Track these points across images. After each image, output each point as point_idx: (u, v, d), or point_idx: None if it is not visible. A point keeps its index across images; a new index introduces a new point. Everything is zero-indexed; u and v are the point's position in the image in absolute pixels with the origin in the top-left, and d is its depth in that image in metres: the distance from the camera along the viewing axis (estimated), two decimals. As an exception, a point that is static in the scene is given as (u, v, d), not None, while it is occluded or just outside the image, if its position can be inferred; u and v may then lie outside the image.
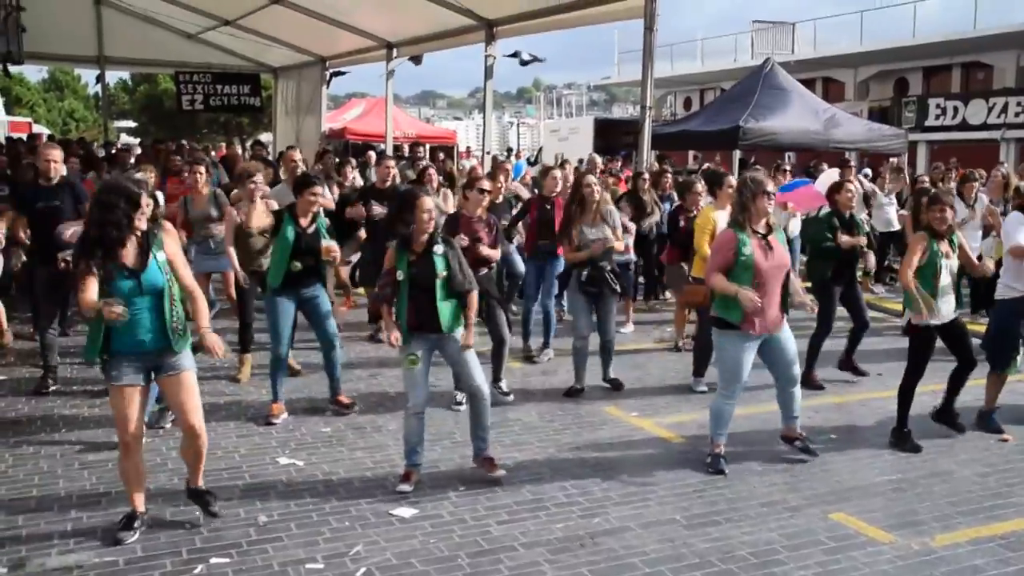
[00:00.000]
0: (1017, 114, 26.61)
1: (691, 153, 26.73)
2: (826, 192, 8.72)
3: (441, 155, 19.92)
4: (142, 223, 4.71)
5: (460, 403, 7.18)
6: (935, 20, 37.01)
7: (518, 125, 69.80)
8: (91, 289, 4.57)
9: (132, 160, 14.31)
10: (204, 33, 20.68)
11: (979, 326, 9.53)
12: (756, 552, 4.86)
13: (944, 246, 6.52)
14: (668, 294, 11.72)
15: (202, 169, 9.03)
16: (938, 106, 28.83)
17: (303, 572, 4.54)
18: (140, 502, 4.97)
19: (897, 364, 8.41)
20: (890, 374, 8.48)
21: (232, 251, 7.79)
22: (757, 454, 6.40)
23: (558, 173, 9.29)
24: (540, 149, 31.48)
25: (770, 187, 6.10)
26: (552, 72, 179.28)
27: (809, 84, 22.10)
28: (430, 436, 6.60)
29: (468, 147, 26.45)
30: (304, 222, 6.95)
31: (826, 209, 8.52)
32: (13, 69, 19.80)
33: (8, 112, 34.40)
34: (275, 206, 7.80)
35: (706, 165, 17.15)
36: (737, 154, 15.73)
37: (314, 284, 7.06)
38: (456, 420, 6.97)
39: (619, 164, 18.49)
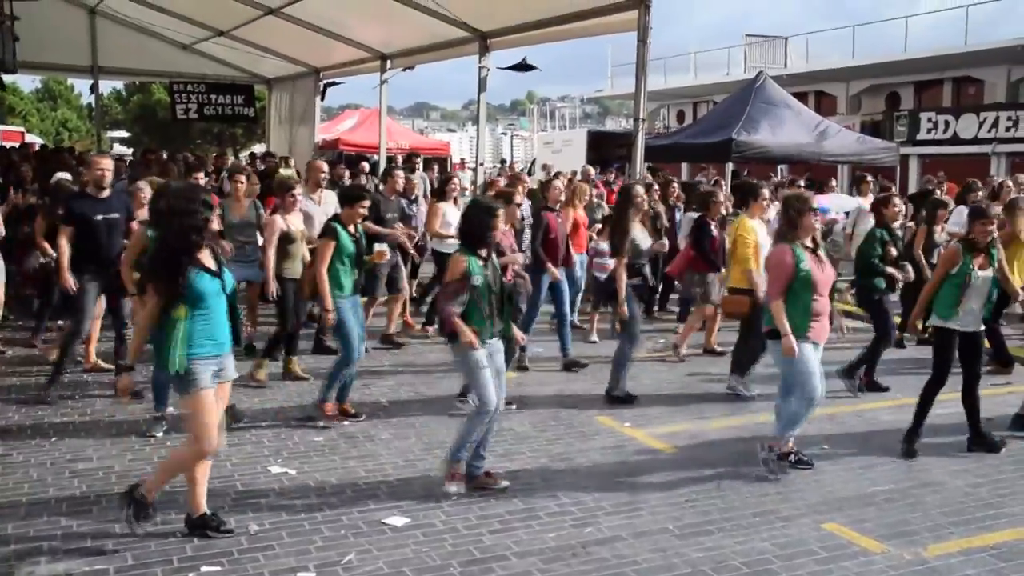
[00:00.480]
0: (1007, 128, 26.74)
1: (683, 165, 26.82)
2: (871, 206, 8.84)
3: (435, 166, 19.91)
4: (215, 224, 4.83)
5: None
6: (926, 35, 37.31)
7: (512, 137, 69.89)
8: (164, 300, 4.68)
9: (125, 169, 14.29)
10: (198, 44, 20.67)
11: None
12: (748, 562, 4.86)
13: (979, 259, 6.65)
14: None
15: (243, 178, 9.26)
16: (929, 120, 28.96)
17: (294, 581, 4.52)
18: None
19: (894, 377, 8.51)
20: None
21: (272, 257, 7.98)
22: (750, 464, 6.38)
23: (559, 183, 9.45)
24: (533, 161, 31.51)
25: (815, 203, 6.31)
26: (546, 85, 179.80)
27: (801, 98, 22.16)
28: (422, 444, 6.63)
29: (462, 159, 26.47)
30: (352, 230, 7.15)
31: (871, 223, 8.78)
32: (6, 78, 19.76)
33: (1, 121, 34.39)
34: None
35: (715, 178, 17.15)
36: (730, 166, 15.78)
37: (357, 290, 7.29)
38: (448, 429, 6.94)
39: (612, 176, 18.54)
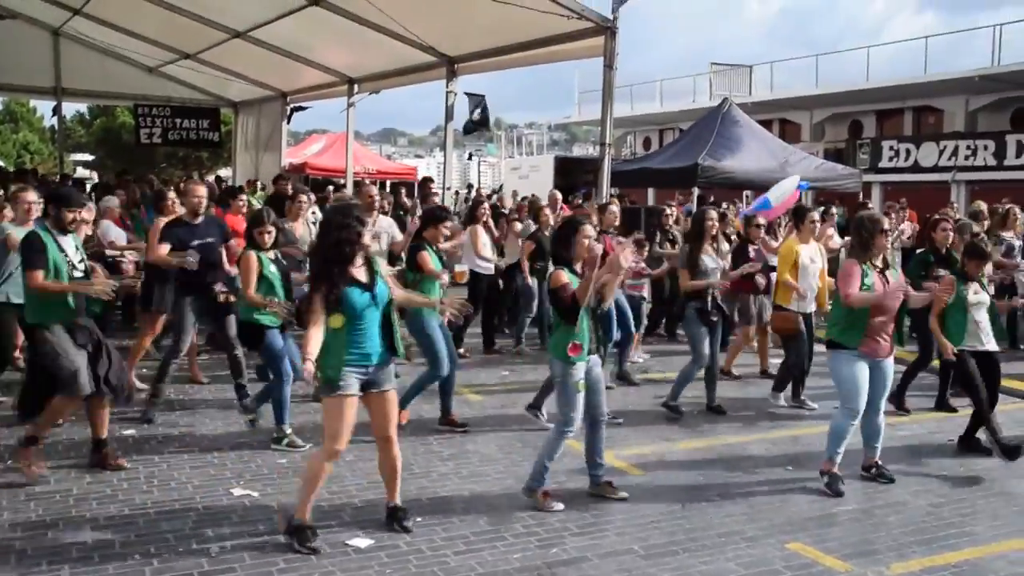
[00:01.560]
0: (966, 157, 27.27)
1: (650, 191, 27.00)
2: (922, 230, 9.00)
3: (403, 190, 19.87)
4: (367, 240, 5.17)
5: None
6: (887, 65, 37.95)
7: (479, 163, 70.11)
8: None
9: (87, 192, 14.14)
10: (164, 66, 20.57)
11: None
12: (714, 581, 4.86)
13: (973, 285, 7.24)
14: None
15: (304, 198, 9.44)
16: (891, 148, 29.46)
17: (256, 603, 4.45)
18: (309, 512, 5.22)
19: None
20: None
21: None
22: (715, 486, 6.41)
23: (549, 211, 9.69)
24: (501, 186, 31.61)
25: (886, 225, 6.58)
26: (513, 112, 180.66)
27: (766, 125, 22.47)
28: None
29: (429, 177, 26.50)
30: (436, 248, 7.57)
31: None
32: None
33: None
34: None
35: (725, 205, 17.29)
36: (696, 191, 15.91)
37: None
38: (413, 452, 6.91)
39: (580, 201, 18.61)
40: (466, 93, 16.40)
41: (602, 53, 11.92)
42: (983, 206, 12.85)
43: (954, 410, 8.51)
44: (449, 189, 17.27)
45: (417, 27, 13.93)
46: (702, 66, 41.14)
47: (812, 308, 8.62)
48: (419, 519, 5.57)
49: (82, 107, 43.23)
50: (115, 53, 19.70)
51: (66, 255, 6.01)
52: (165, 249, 7.67)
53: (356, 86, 18.30)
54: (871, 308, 6.28)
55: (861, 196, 18.69)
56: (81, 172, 38.04)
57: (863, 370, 6.35)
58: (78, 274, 6.07)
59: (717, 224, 8.53)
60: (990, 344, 7.28)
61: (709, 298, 8.19)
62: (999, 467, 7.03)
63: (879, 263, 6.45)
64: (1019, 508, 6.17)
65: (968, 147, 27.29)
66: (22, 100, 44.06)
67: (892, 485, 6.52)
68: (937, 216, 9.51)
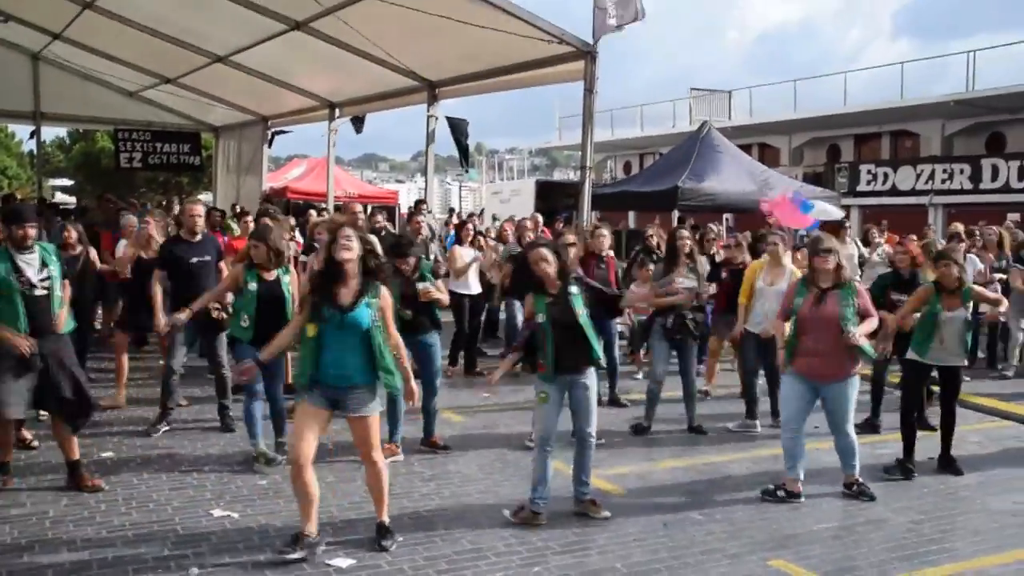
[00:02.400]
0: (943, 180, 27.54)
1: (631, 214, 27.12)
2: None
3: (384, 214, 19.86)
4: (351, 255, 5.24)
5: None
6: (865, 91, 38.42)
7: (460, 187, 70.25)
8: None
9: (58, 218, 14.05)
10: (144, 91, 20.54)
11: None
12: (696, 598, 4.85)
13: (948, 299, 7.13)
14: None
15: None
16: (869, 172, 29.72)
17: (235, 624, 4.41)
18: (313, 525, 5.27)
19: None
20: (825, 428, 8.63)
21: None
22: (698, 504, 6.42)
23: (606, 231, 9.99)
24: (482, 211, 31.67)
25: (825, 245, 6.63)
26: (494, 137, 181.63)
27: (746, 149, 22.61)
28: (367, 487, 6.53)
29: (419, 200, 26.49)
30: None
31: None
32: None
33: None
34: None
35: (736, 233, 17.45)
36: (676, 214, 15.97)
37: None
38: (395, 472, 6.87)
39: (560, 225, 18.65)
40: (447, 118, 16.44)
41: (583, 77, 12.00)
42: (960, 228, 13.00)
43: (933, 428, 8.53)
44: (430, 213, 17.24)
45: (398, 52, 14.00)
46: (682, 91, 41.60)
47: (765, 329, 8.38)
48: (400, 539, 5.54)
49: (61, 132, 43.09)
50: (95, 77, 19.66)
51: (20, 274, 5.99)
52: (162, 274, 7.93)
53: (337, 110, 18.34)
54: (797, 328, 6.58)
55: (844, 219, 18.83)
56: (60, 197, 37.84)
57: (795, 389, 6.64)
58: (38, 292, 6.06)
59: (689, 242, 8.55)
60: (952, 360, 7.29)
61: (672, 316, 8.23)
62: (979, 484, 7.08)
63: (823, 284, 6.53)
64: (999, 524, 6.19)
65: (944, 171, 27.57)
66: (0, 125, 43.81)
67: (873, 503, 6.54)
68: (899, 240, 9.73)
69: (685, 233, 8.63)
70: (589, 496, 6.18)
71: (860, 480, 6.72)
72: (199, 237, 8.17)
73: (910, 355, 7.35)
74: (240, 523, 5.78)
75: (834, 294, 6.51)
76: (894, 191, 28.79)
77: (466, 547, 5.48)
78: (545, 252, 5.93)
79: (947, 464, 7.41)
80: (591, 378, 6.05)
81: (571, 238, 8.56)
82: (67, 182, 44.36)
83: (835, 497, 6.64)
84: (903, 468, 7.24)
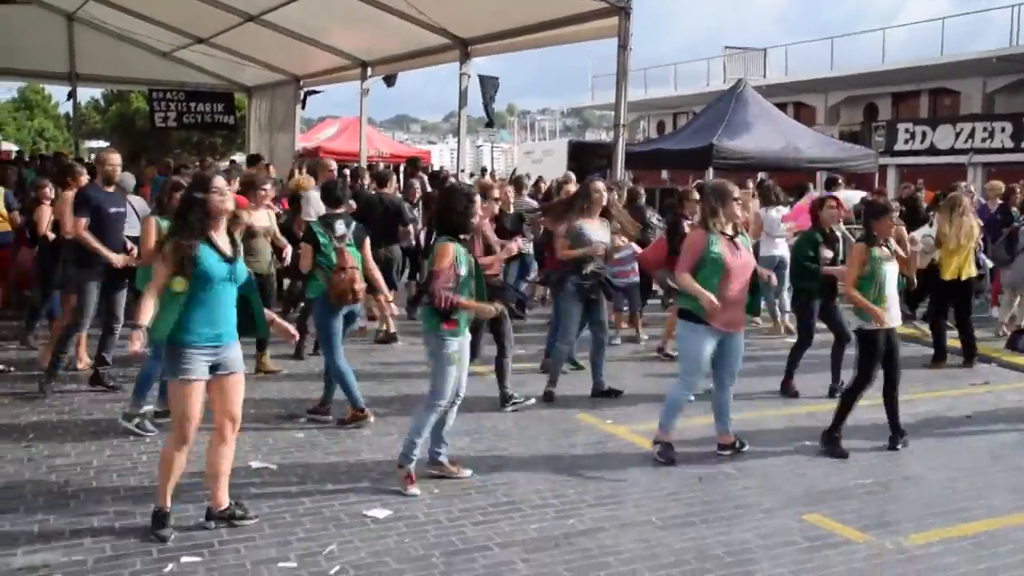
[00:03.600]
0: (983, 139, 27.06)
1: (664, 173, 26.92)
2: (810, 208, 8.84)
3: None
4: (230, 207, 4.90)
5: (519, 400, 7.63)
6: (903, 47, 37.73)
7: (492, 148, 70.08)
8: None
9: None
10: (178, 51, 20.57)
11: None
12: (731, 551, 4.86)
13: (883, 252, 6.62)
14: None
15: (268, 186, 9.03)
16: (907, 131, 29.26)
17: (276, 571, 4.48)
18: (168, 498, 4.89)
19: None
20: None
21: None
22: (732, 458, 6.42)
23: (572, 187, 9.55)
24: (514, 171, 31.57)
25: (737, 193, 6.34)
26: (526, 98, 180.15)
27: (781, 109, 22.29)
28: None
29: (442, 166, 26.41)
30: None
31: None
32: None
33: (-23, 131, 34.15)
34: None
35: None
36: (710, 173, 15.82)
37: None
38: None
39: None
40: (480, 76, 16.34)
41: (616, 34, 11.86)
42: (1000, 185, 12.80)
43: (797, 395, 8.37)
44: (463, 171, 17.19)
45: (431, 9, 13.88)
46: (716, 50, 40.99)
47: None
48: (436, 490, 5.60)
49: (96, 93, 43.37)
50: (129, 38, 19.70)
51: None
52: (83, 223, 7.48)
53: (369, 69, 18.27)
54: (721, 279, 6.14)
55: (877, 178, 18.59)
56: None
57: (709, 345, 6.25)
58: None
59: (604, 195, 8.01)
60: (895, 320, 6.76)
61: (584, 272, 7.81)
62: (1017, 442, 7.02)
63: (728, 230, 6.27)
64: (1037, 481, 6.15)
65: (985, 129, 27.07)
66: (37, 86, 44.21)
67: (909, 459, 6.52)
68: (824, 195, 9.43)
69: (600, 185, 8.07)
70: (444, 458, 5.94)
71: (738, 439, 6.60)
72: (113, 188, 7.79)
73: (858, 324, 6.71)
74: (278, 474, 5.87)
75: (741, 240, 6.36)
76: (932, 150, 28.34)
77: (501, 499, 5.52)
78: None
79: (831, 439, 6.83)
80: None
81: (496, 193, 8.21)
82: (103, 143, 44.66)
83: (871, 454, 6.62)
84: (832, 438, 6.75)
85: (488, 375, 7.95)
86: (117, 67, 20.91)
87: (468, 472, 5.88)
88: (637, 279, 10.34)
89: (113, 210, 7.68)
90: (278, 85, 21.54)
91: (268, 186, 8.61)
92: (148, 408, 6.70)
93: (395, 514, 5.22)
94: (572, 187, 11.23)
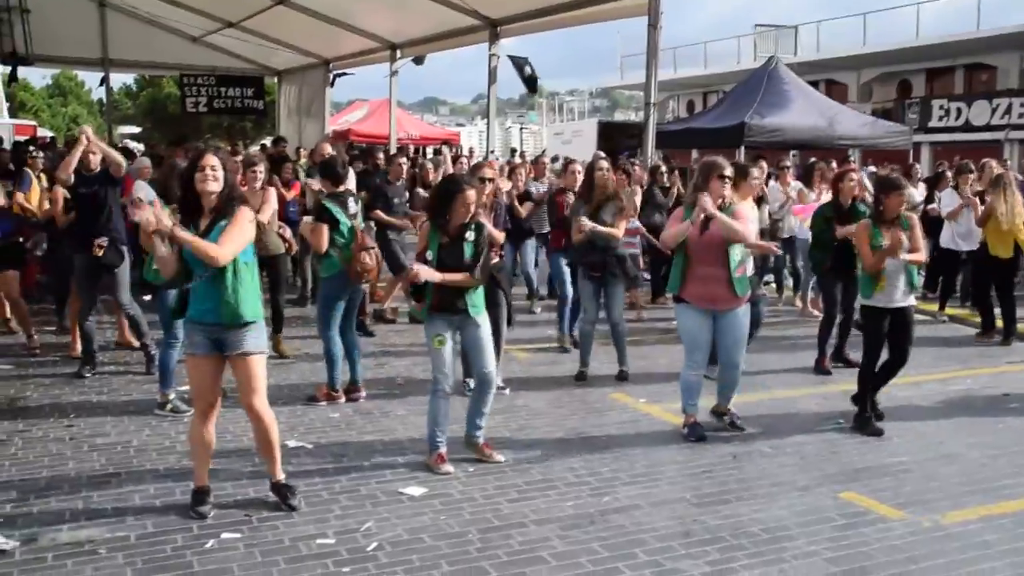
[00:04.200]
0: (1021, 115, 26.60)
1: (694, 152, 26.73)
2: (832, 181, 8.78)
3: (446, 152, 19.89)
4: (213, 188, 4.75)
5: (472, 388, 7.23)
6: (938, 22, 37.05)
7: (521, 129, 69.97)
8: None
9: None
10: (208, 36, 20.74)
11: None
12: (767, 528, 4.86)
13: (889, 232, 6.43)
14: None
15: (260, 167, 8.63)
16: (941, 107, 28.84)
17: (314, 547, 4.53)
18: (205, 476, 4.98)
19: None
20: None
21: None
22: (767, 437, 6.40)
23: (578, 167, 9.43)
24: (543, 152, 31.52)
25: (727, 171, 6.24)
26: (554, 79, 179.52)
27: (812, 86, 22.08)
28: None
29: (471, 148, 26.44)
30: None
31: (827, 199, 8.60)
32: (21, 71, 19.88)
33: (13, 116, 34.43)
34: None
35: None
36: (742, 151, 15.70)
37: None
38: (464, 406, 6.96)
39: (632, 159, 18.49)
40: (509, 56, 16.33)
41: (646, 12, 11.79)
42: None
43: (853, 364, 8.07)
44: (493, 153, 17.19)
45: (459, -12, 13.90)
46: (746, 28, 40.57)
47: None
48: (471, 469, 5.64)
49: (128, 79, 43.76)
50: (160, 23, 19.89)
51: None
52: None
53: (399, 51, 18.31)
54: (690, 256, 6.23)
55: (911, 155, 18.36)
56: (130, 145, 38.47)
57: (697, 321, 6.33)
58: None
59: (608, 176, 7.89)
60: (903, 300, 6.60)
61: (593, 254, 7.77)
62: (1056, 420, 6.95)
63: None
64: (1077, 459, 6.08)
65: (1022, 104, 26.61)
66: (70, 74, 44.67)
67: (945, 438, 6.47)
68: (842, 169, 9.29)
69: (604, 164, 8.01)
70: (481, 439, 5.91)
71: (731, 410, 6.66)
72: (96, 171, 7.79)
73: (863, 301, 6.74)
74: (315, 453, 5.93)
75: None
76: (968, 127, 27.91)
77: (536, 477, 5.55)
78: (471, 195, 5.60)
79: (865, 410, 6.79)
80: (484, 317, 5.79)
81: (489, 173, 8.14)
82: (135, 129, 45.13)
83: (906, 432, 6.57)
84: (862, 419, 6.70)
85: (520, 354, 7.96)
86: (148, 52, 21.14)
87: (502, 457, 5.87)
88: (637, 251, 10.28)
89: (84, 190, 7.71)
90: (307, 69, 21.65)
91: (261, 167, 8.26)
92: (179, 391, 6.78)
93: (431, 492, 5.26)
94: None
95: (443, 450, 5.66)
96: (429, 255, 5.58)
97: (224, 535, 4.63)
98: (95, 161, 7.73)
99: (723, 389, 6.67)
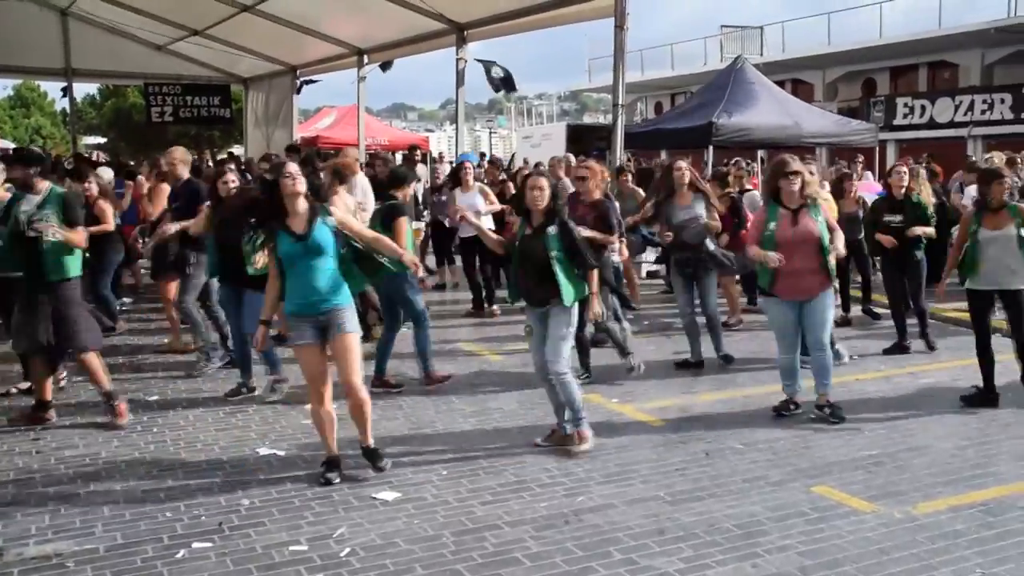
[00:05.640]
0: (983, 111, 26.94)
1: (663, 153, 26.85)
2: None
3: (417, 157, 19.81)
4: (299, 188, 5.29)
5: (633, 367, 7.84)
6: (901, 21, 37.50)
7: (490, 134, 70.00)
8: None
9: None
10: (173, 44, 20.52)
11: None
12: (740, 524, 4.87)
13: (992, 218, 6.89)
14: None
15: (231, 176, 8.94)
16: (906, 105, 29.14)
17: (287, 554, 4.49)
18: (334, 446, 5.55)
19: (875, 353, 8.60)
20: (870, 360, 8.63)
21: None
22: (739, 434, 6.42)
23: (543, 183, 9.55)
24: (513, 156, 31.51)
25: (793, 167, 6.56)
26: (523, 83, 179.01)
27: (779, 86, 22.27)
28: (410, 424, 6.64)
29: (440, 152, 26.38)
30: None
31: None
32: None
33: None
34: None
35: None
36: (711, 151, 15.77)
37: None
38: (436, 410, 6.98)
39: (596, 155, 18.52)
40: (476, 59, 16.29)
41: (612, 14, 11.81)
42: (999, 156, 12.75)
43: (906, 350, 8.84)
44: (485, 156, 17.16)
45: (425, -7, 13.86)
46: (712, 29, 40.78)
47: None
48: (444, 472, 5.62)
49: (92, 89, 43.32)
50: (124, 32, 19.68)
51: (9, 214, 6.37)
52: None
53: (366, 57, 18.24)
54: (782, 251, 6.44)
55: (877, 152, 18.53)
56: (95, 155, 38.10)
57: (783, 313, 6.69)
58: (29, 234, 6.25)
59: (687, 175, 8.23)
60: (1012, 282, 6.95)
61: (681, 250, 8.21)
62: (1022, 411, 7.02)
63: (792, 205, 6.55)
64: (1044, 449, 6.15)
65: (984, 101, 26.95)
66: (33, 85, 44.13)
67: (916, 430, 6.52)
68: (895, 163, 9.65)
69: (682, 164, 8.32)
70: (568, 429, 6.14)
71: (831, 400, 6.78)
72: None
73: (967, 284, 7.12)
74: (286, 460, 5.88)
75: (805, 211, 6.57)
76: (932, 124, 28.21)
77: (510, 479, 5.53)
78: (542, 181, 5.88)
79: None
80: (562, 314, 5.94)
81: (583, 172, 8.05)
82: (100, 139, 44.68)
83: (877, 425, 6.62)
84: (985, 398, 7.07)
85: (494, 357, 7.96)
86: (112, 61, 20.89)
87: (585, 447, 6.02)
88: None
89: None
90: (274, 76, 21.49)
91: (232, 176, 8.33)
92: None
93: (404, 496, 5.23)
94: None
95: (580, 428, 6.05)
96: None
97: (196, 544, 4.58)
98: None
99: (818, 374, 6.79)
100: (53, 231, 6.13)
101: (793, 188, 6.51)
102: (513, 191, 11.95)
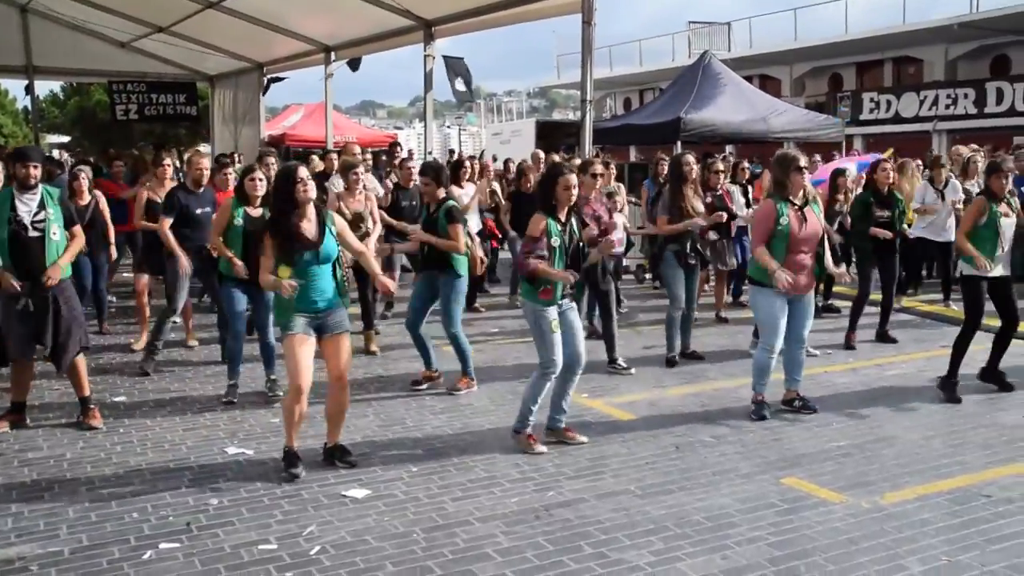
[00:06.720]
0: (947, 106, 27.27)
1: (632, 149, 26.95)
2: (866, 171, 9.46)
3: (383, 158, 19.72)
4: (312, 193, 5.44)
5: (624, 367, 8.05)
6: (866, 17, 37.93)
7: (460, 131, 69.80)
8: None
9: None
10: (137, 41, 20.22)
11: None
12: (710, 516, 4.89)
13: (1003, 207, 7.06)
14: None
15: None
16: (872, 100, 29.44)
17: (256, 553, 4.45)
18: (295, 442, 5.58)
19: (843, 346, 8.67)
20: (838, 353, 8.70)
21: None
22: (709, 427, 6.45)
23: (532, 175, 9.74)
24: (482, 152, 31.47)
25: (803, 162, 6.57)
26: (492, 80, 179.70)
27: (746, 81, 22.40)
28: (379, 422, 6.61)
29: (410, 149, 26.23)
30: None
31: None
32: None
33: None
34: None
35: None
36: (679, 147, 15.83)
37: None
38: (406, 407, 6.95)
39: (564, 155, 18.52)
40: (444, 57, 16.22)
41: (580, 9, 11.80)
42: (963, 150, 12.88)
43: (894, 341, 9.09)
44: (431, 153, 17.11)
45: (392, -11, 13.77)
46: (680, 25, 41.01)
47: None
48: (414, 469, 5.59)
49: (55, 87, 42.69)
50: (86, 28, 19.36)
51: (15, 212, 6.11)
52: (168, 221, 7.98)
53: (333, 54, 18.09)
54: (790, 248, 6.47)
55: (844, 147, 18.70)
56: (58, 153, 37.59)
57: (775, 306, 6.56)
58: (32, 233, 6.14)
59: (695, 168, 8.44)
60: (1000, 269, 7.18)
61: (688, 242, 8.24)
62: (988, 400, 7.11)
63: (798, 200, 6.56)
64: (1008, 438, 6.22)
65: (948, 96, 27.30)
66: (-7, 82, 43.41)
67: (883, 421, 6.58)
68: (877, 159, 9.80)
69: (691, 158, 8.47)
70: (563, 424, 6.18)
71: (799, 394, 6.86)
72: (202, 189, 8.24)
73: (965, 271, 7.18)
74: (255, 459, 5.83)
75: (809, 207, 6.63)
76: (897, 119, 28.54)
77: (480, 475, 5.52)
78: (573, 180, 5.88)
79: (993, 377, 7.45)
80: (572, 303, 6.09)
81: (599, 168, 8.16)
82: (64, 138, 44.06)
83: (846, 417, 6.67)
84: (947, 383, 7.19)
85: (448, 348, 7.92)
86: (75, 59, 20.52)
87: (585, 438, 6.10)
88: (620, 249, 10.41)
89: (199, 211, 8.07)
90: (241, 73, 21.26)
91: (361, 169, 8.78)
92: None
93: (374, 493, 5.20)
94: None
95: (530, 431, 6.01)
96: (555, 242, 5.79)
97: (163, 545, 4.52)
98: (205, 177, 8.31)
99: (791, 369, 6.85)
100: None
101: (806, 182, 6.61)
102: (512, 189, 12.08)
